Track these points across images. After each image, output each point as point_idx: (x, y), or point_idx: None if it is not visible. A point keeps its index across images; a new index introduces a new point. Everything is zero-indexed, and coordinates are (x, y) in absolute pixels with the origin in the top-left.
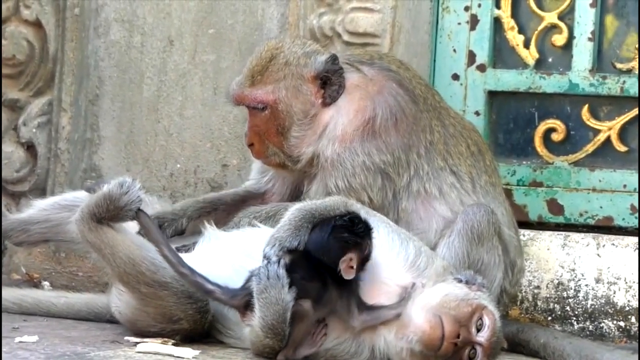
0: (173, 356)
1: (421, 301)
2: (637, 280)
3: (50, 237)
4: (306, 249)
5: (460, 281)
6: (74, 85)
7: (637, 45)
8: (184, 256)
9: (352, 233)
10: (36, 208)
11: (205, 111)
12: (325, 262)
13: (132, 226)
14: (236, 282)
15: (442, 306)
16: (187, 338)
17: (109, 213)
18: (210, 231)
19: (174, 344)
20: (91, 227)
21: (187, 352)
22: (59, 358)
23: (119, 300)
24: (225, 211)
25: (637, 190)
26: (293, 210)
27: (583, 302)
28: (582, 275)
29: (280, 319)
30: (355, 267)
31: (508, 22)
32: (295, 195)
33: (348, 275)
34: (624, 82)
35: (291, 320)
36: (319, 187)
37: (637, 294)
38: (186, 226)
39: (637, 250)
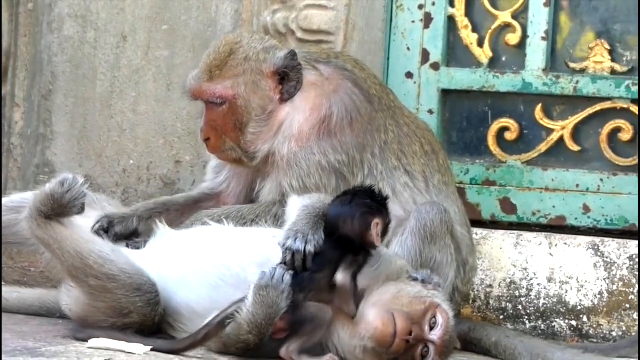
0: (124, 352)
1: (374, 298)
2: (589, 280)
3: None
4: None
5: (415, 280)
6: (27, 80)
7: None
8: (133, 252)
9: (374, 199)
10: None
11: (158, 107)
12: (349, 233)
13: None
14: (188, 280)
15: (395, 303)
16: (138, 333)
17: (54, 211)
18: (162, 229)
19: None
20: (40, 224)
21: (139, 347)
22: (10, 353)
23: (68, 297)
24: (179, 211)
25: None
26: (305, 207)
27: (535, 301)
28: (535, 275)
29: (269, 322)
30: (380, 234)
31: (462, 20)
32: (250, 197)
33: (378, 241)
34: (578, 81)
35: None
36: (273, 186)
37: (588, 293)
38: (137, 225)
39: (589, 250)
